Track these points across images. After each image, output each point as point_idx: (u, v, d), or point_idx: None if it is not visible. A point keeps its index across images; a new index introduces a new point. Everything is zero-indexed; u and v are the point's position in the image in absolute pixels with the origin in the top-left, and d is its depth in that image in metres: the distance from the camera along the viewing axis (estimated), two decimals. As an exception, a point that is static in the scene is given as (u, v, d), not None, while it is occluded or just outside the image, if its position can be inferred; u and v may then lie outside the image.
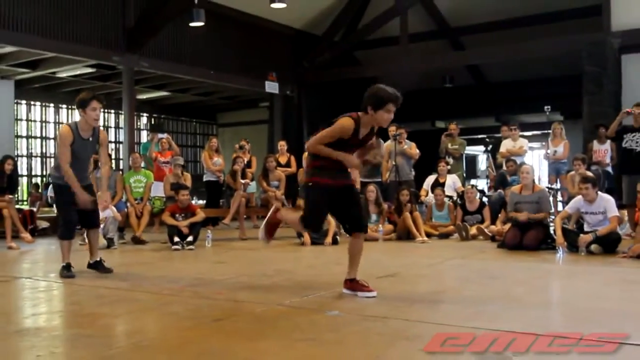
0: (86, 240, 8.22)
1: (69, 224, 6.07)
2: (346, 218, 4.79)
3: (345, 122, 4.50)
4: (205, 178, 12.09)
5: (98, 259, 6.13)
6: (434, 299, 4.57)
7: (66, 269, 5.90)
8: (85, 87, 15.63)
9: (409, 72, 16.71)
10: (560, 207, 11.14)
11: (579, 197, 7.68)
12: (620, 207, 8.55)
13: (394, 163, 10.60)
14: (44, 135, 16.64)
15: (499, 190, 10.03)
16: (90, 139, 5.93)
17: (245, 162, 11.23)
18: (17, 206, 10.47)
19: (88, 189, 6.05)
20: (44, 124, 16.61)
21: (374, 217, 9.54)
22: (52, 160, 16.56)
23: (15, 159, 10.74)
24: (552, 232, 8.02)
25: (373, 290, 4.61)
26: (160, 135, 11.90)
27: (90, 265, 6.11)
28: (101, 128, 6.14)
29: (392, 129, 11.04)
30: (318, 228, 5.26)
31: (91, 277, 5.86)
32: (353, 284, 4.69)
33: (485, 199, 10.37)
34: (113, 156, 16.17)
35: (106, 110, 17.27)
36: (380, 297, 4.62)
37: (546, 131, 12.23)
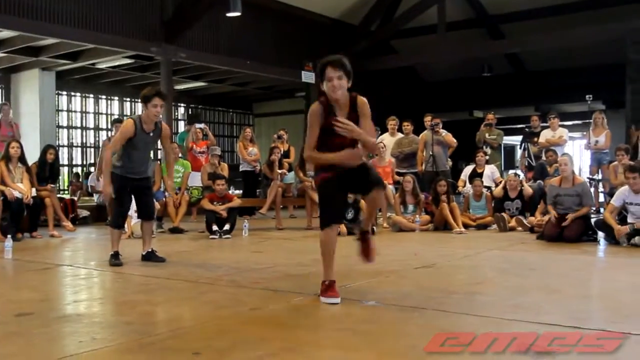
0: (126, 230, 8.40)
1: (121, 213, 6.23)
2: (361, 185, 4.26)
3: (312, 106, 4.20)
4: (241, 168, 12.16)
5: (150, 250, 6.22)
6: (471, 290, 4.52)
7: (114, 257, 5.99)
8: (124, 78, 15.89)
9: (446, 61, 16.60)
10: (601, 198, 10.95)
11: (624, 187, 7.53)
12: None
13: (430, 153, 10.50)
14: (84, 125, 16.89)
15: (538, 181, 9.88)
16: (152, 133, 6.05)
17: (283, 152, 11.26)
18: (58, 195, 10.66)
19: (146, 181, 6.23)
20: (84, 115, 16.87)
21: (411, 207, 9.50)
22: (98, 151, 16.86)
23: (57, 148, 10.93)
24: (592, 224, 7.88)
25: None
26: (197, 125, 11.98)
27: (143, 257, 6.19)
28: (164, 122, 6.24)
29: (428, 119, 10.97)
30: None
31: (131, 265, 5.94)
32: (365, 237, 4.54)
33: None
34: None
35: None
36: (418, 287, 4.60)
37: (587, 121, 12.01)
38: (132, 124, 5.95)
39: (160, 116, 6.10)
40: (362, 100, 4.14)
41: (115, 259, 5.96)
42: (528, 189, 9.58)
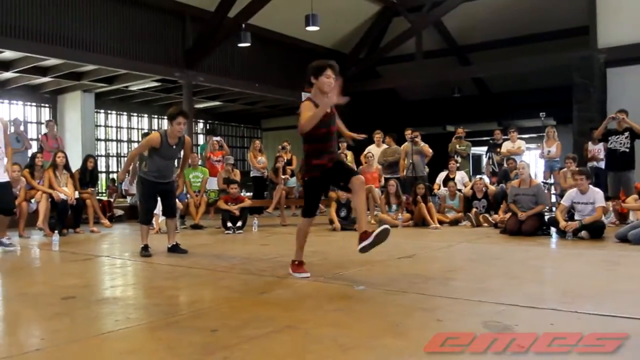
0: (154, 226, 8.38)
1: (149, 211, 6.18)
2: (340, 178, 4.38)
3: (305, 103, 4.34)
4: (251, 174, 12.12)
5: (175, 243, 6.17)
6: (445, 276, 4.52)
7: (144, 249, 5.96)
8: (152, 99, 15.88)
9: (423, 84, 16.62)
10: (553, 199, 10.96)
11: (572, 189, 7.54)
12: (605, 198, 8.37)
13: (410, 161, 10.51)
14: (118, 138, 16.87)
15: (500, 184, 9.88)
16: (175, 146, 5.98)
17: (286, 160, 11.25)
18: (97, 197, 10.62)
19: (170, 185, 6.15)
20: (118, 129, 16.85)
21: (394, 207, 9.48)
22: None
23: (96, 158, 10.90)
24: (546, 220, 7.88)
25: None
26: (214, 138, 11.95)
27: (169, 249, 6.15)
28: (186, 136, 6.15)
29: (408, 133, 10.94)
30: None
31: (158, 256, 5.92)
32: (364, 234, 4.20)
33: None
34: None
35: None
36: (400, 274, 4.59)
37: (541, 134, 12.03)
38: (158, 137, 5.89)
39: (184, 132, 6.05)
40: None
41: (145, 251, 5.94)
42: (492, 188, 9.65)
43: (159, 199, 6.25)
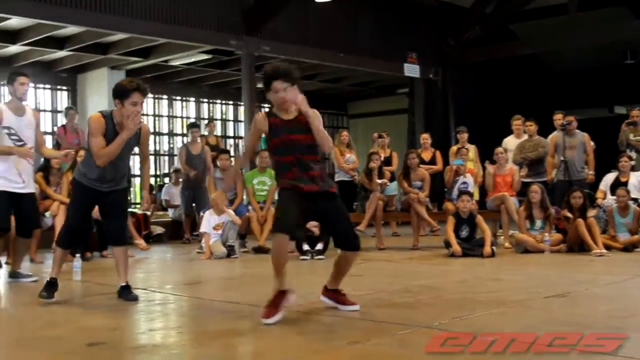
0: (206, 250, 8.59)
1: (71, 230, 5.67)
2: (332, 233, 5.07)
3: (255, 117, 4.95)
4: (336, 178, 12.13)
5: (125, 283, 5.61)
6: (616, 325, 4.35)
7: (47, 286, 5.51)
8: (201, 76, 16.33)
9: (579, 47, 16.16)
10: None
11: None
12: None
13: (562, 159, 10.25)
14: (156, 130, 17.37)
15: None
16: (130, 138, 5.47)
17: (384, 158, 11.19)
18: (130, 209, 10.98)
19: (118, 195, 5.69)
20: (156, 118, 17.36)
21: (539, 223, 9.26)
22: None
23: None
24: None
25: (356, 303, 4.95)
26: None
27: (118, 292, 5.64)
28: (144, 122, 5.69)
29: (559, 117, 10.69)
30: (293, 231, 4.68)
31: (212, 289, 6.06)
32: (336, 294, 5.02)
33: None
34: (232, 153, 16.47)
35: (223, 102, 17.89)
36: (547, 320, 4.48)
37: None
38: (102, 119, 5.45)
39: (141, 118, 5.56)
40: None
41: (45, 290, 5.47)
42: None
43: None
